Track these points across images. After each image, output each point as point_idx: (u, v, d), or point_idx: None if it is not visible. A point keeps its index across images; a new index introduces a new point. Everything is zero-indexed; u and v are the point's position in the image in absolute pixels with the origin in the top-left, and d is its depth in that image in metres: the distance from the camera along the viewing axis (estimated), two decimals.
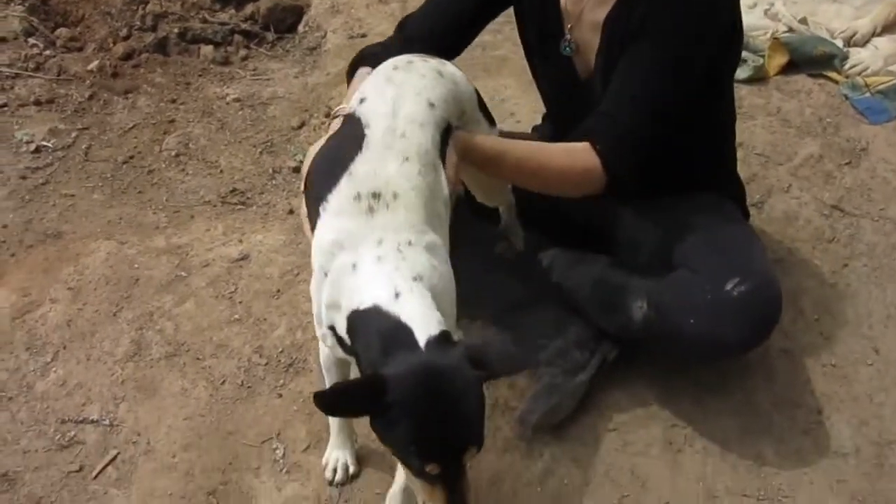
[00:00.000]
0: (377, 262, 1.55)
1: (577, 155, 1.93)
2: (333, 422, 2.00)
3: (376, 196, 1.60)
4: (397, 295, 1.50)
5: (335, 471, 2.02)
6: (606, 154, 1.91)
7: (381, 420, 1.41)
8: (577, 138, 1.95)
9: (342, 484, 2.00)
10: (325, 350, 1.82)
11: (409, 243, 1.58)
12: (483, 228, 2.33)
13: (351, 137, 1.70)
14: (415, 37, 2.15)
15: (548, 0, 2.15)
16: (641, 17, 1.92)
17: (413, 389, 1.39)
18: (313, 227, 1.67)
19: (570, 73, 2.19)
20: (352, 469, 2.02)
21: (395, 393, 1.38)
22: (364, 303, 1.51)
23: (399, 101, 1.74)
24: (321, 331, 1.68)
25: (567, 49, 2.14)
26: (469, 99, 1.95)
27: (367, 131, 1.69)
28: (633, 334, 2.12)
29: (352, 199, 1.60)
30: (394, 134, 1.69)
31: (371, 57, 2.07)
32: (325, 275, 1.60)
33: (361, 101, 1.77)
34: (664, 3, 1.91)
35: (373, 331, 1.49)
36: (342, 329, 1.56)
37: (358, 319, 1.52)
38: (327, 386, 1.86)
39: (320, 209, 1.64)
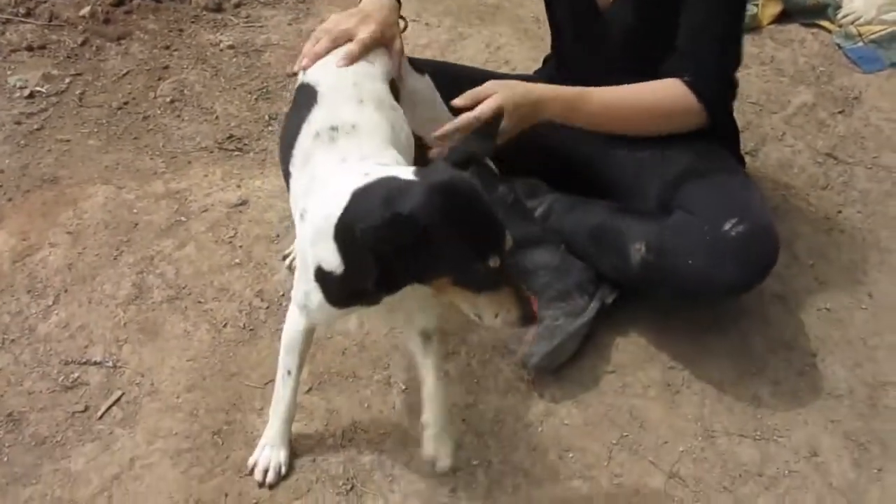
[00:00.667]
0: (342, 173, 1.59)
1: (671, 93, 2.08)
2: (275, 415, 1.94)
3: (334, 128, 1.70)
4: (367, 174, 1.53)
5: (266, 472, 1.93)
6: (702, 89, 2.07)
7: (425, 254, 1.43)
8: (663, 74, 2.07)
9: (272, 486, 1.93)
10: (296, 325, 1.82)
11: (361, 154, 1.66)
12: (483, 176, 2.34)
13: (304, 100, 1.80)
14: None
15: None
16: None
17: (442, 204, 1.42)
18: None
19: (586, 3, 2.22)
20: (283, 470, 1.94)
21: (427, 218, 1.40)
22: (342, 203, 1.50)
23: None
24: (307, 287, 1.66)
25: None
26: None
27: (318, 88, 1.80)
28: (632, 277, 2.14)
29: (312, 139, 1.70)
30: (345, 84, 1.80)
31: None
32: (301, 217, 1.64)
33: (305, 71, 1.90)
34: None
35: (362, 208, 1.47)
36: (332, 253, 1.54)
37: (342, 224, 1.50)
38: (281, 372, 1.88)
39: (290, 168, 1.73)
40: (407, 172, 1.51)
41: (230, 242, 2.43)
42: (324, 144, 1.69)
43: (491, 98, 1.94)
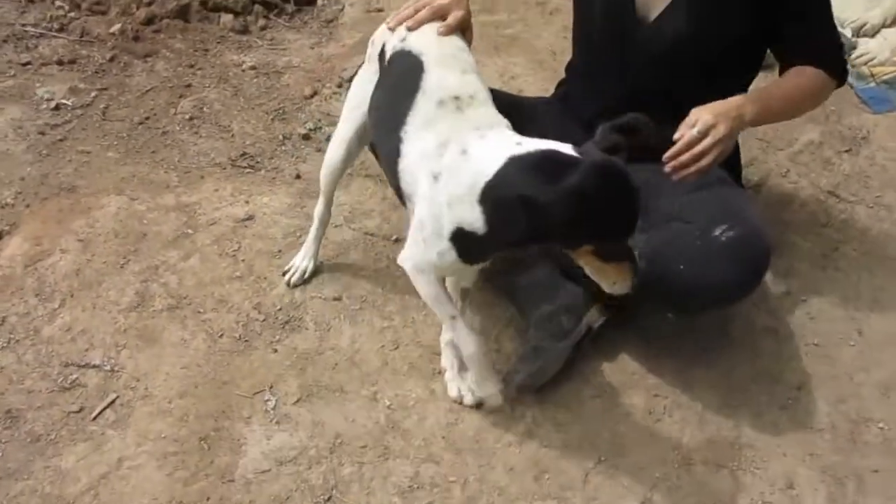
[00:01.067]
0: (482, 139, 1.80)
1: (817, 79, 2.22)
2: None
3: (457, 98, 1.87)
4: (519, 143, 1.76)
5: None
6: (835, 68, 2.24)
7: (580, 225, 1.65)
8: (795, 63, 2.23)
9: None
10: (429, 283, 1.96)
11: (496, 125, 1.87)
12: None
13: (408, 67, 1.95)
14: None
15: None
16: None
17: (605, 184, 1.64)
18: (389, 161, 1.94)
19: (629, 11, 2.24)
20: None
21: (593, 193, 1.62)
22: (494, 167, 1.72)
23: (439, 38, 2.02)
24: (440, 247, 1.83)
25: None
26: None
27: (423, 57, 1.95)
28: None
29: (437, 107, 1.86)
30: (448, 55, 1.97)
31: None
32: (435, 179, 1.81)
33: (403, 39, 2.02)
34: None
35: (521, 176, 1.69)
36: (475, 215, 1.74)
37: (495, 185, 1.71)
38: (448, 322, 2.03)
39: (401, 134, 1.88)
40: (567, 148, 1.72)
41: (233, 256, 2.51)
42: (451, 113, 1.86)
43: (707, 122, 2.00)
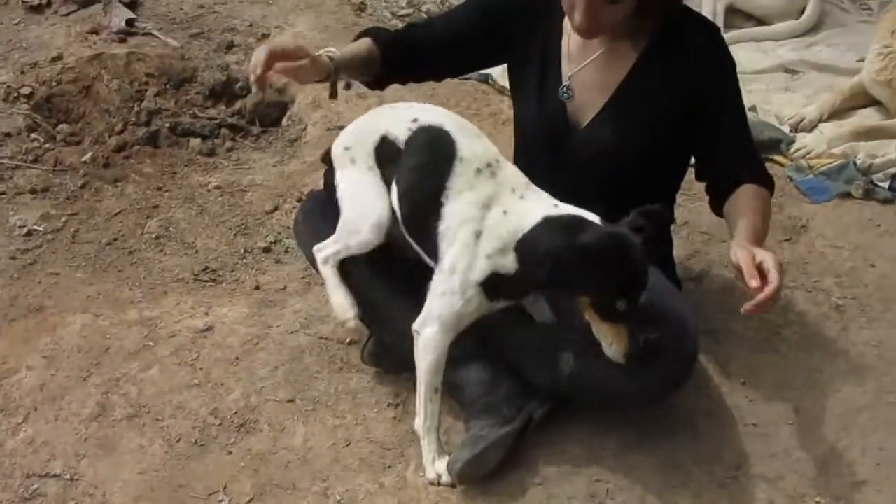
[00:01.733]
0: (521, 199, 2.15)
1: (763, 194, 2.39)
2: (430, 433, 2.28)
3: (489, 165, 2.17)
4: (556, 206, 2.14)
5: (441, 477, 2.28)
6: (766, 180, 2.40)
7: (582, 276, 2.03)
8: (728, 187, 2.38)
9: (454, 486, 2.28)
10: (439, 346, 2.22)
11: (528, 184, 2.20)
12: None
13: (435, 140, 2.21)
14: (417, 45, 2.51)
15: (549, 44, 2.42)
16: (695, 94, 2.31)
17: (608, 248, 2.02)
18: (423, 225, 2.21)
19: (561, 118, 2.41)
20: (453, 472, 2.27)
21: (596, 253, 2.01)
22: (531, 223, 2.10)
23: (444, 110, 2.34)
24: (469, 293, 2.15)
25: (565, 95, 2.39)
26: None
27: (446, 128, 2.22)
28: (564, 387, 2.28)
29: (475, 174, 2.16)
30: (461, 125, 2.26)
31: (374, 32, 2.52)
32: (477, 236, 2.12)
33: (414, 120, 2.26)
34: (715, 79, 2.34)
35: (551, 233, 2.07)
36: (510, 262, 2.11)
37: (530, 237, 2.09)
38: (428, 393, 2.25)
39: (441, 199, 2.16)
40: (592, 216, 2.09)
41: (192, 365, 2.60)
42: (488, 179, 2.16)
43: (776, 264, 2.07)
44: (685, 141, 2.42)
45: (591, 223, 2.07)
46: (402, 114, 2.30)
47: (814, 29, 4.43)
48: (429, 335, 2.20)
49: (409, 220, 2.26)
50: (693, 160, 2.53)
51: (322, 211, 2.46)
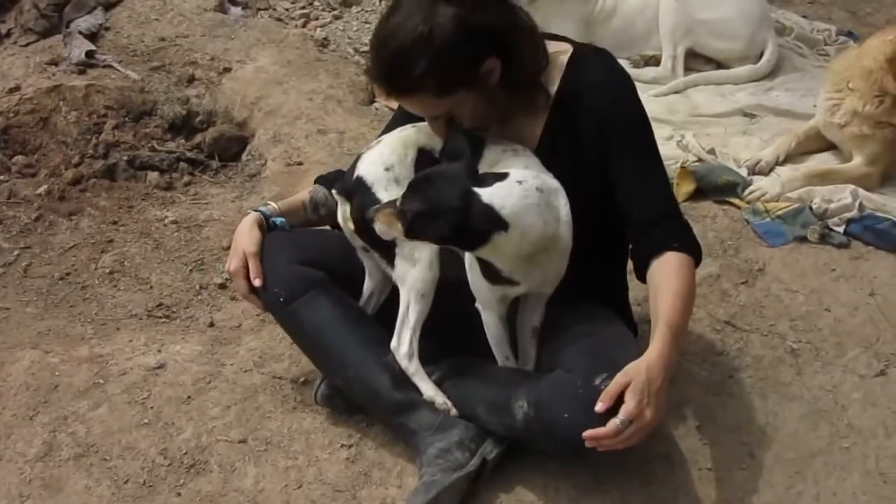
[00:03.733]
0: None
1: (684, 267, 2.26)
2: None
3: (514, 149, 2.31)
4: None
5: None
6: (689, 248, 2.29)
7: None
8: (649, 253, 2.29)
9: None
10: (495, 325, 2.36)
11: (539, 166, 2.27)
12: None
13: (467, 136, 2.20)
14: None
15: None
16: (601, 137, 2.27)
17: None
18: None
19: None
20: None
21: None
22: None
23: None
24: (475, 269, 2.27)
25: None
26: None
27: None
28: (518, 434, 2.26)
29: (500, 153, 2.27)
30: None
31: (323, 180, 2.57)
32: None
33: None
34: (616, 119, 2.28)
35: None
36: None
37: None
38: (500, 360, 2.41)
39: None
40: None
41: (143, 403, 2.56)
42: (511, 157, 2.28)
43: (631, 412, 2.04)
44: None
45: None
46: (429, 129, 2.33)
47: (772, 73, 4.49)
48: (483, 316, 2.34)
49: None
50: None
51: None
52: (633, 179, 2.30)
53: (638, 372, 2.07)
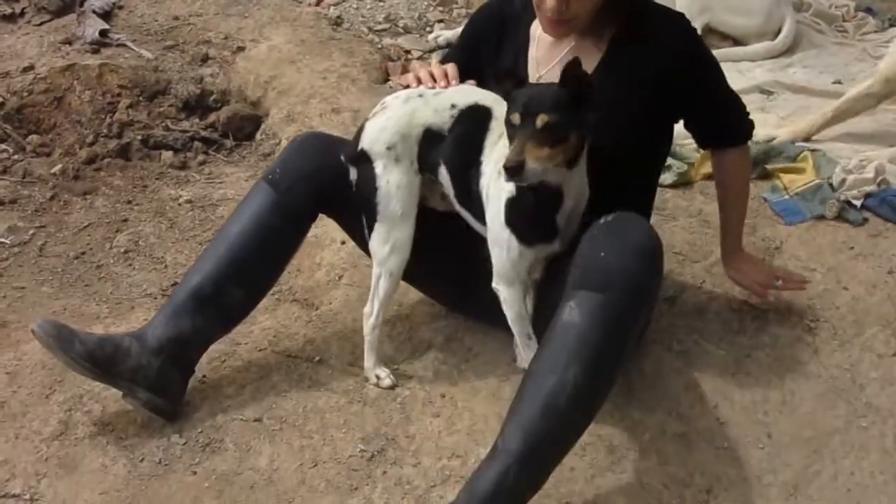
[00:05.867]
0: None
1: (742, 163, 2.70)
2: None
3: None
4: None
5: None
6: (746, 138, 2.66)
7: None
8: (719, 147, 2.65)
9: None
10: (515, 298, 2.35)
11: None
12: None
13: (475, 113, 2.33)
14: None
15: (519, 54, 2.48)
16: (667, 79, 2.37)
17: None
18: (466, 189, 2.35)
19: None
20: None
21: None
22: None
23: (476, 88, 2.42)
24: (504, 237, 2.27)
25: None
26: None
27: (482, 102, 2.34)
28: None
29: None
30: (496, 97, 2.32)
31: None
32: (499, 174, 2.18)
33: (453, 106, 2.34)
34: (687, 60, 2.41)
35: None
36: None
37: None
38: (523, 340, 2.39)
39: (481, 158, 2.31)
40: None
41: None
42: None
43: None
44: (661, 130, 2.51)
45: None
46: (437, 103, 2.35)
47: (789, 50, 4.46)
48: (500, 292, 2.34)
49: (459, 192, 2.38)
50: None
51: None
52: (709, 102, 2.52)
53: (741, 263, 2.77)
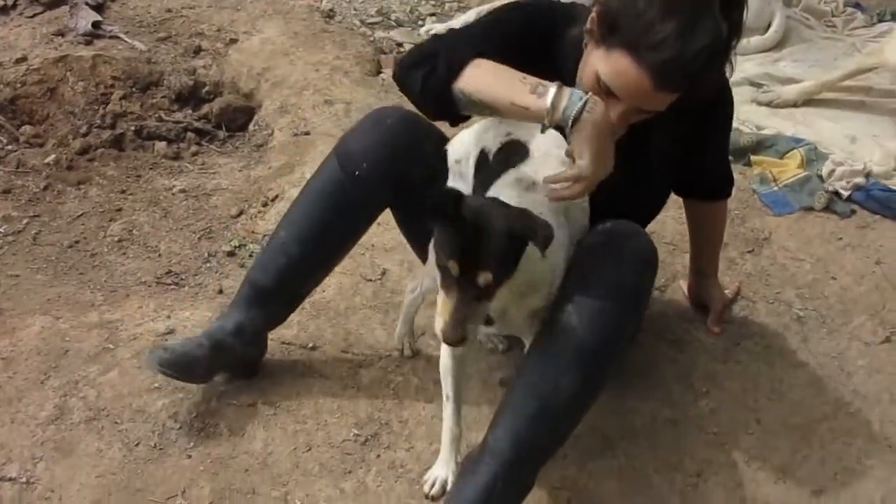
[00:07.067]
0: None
1: (721, 212, 2.75)
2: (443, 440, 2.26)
3: (533, 183, 2.02)
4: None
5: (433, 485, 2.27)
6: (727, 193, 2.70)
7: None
8: (709, 195, 2.69)
9: (435, 499, 2.25)
10: (443, 354, 2.22)
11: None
12: None
13: (514, 146, 2.12)
14: None
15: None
16: (698, 129, 2.38)
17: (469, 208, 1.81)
18: None
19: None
20: (449, 486, 2.23)
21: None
22: None
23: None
24: None
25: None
26: None
27: (529, 146, 2.11)
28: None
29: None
30: (548, 139, 2.05)
31: None
32: None
33: (508, 134, 2.14)
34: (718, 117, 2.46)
35: None
36: None
37: None
38: (443, 399, 2.25)
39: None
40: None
41: None
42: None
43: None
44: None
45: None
46: (499, 129, 2.17)
47: (779, 45, 4.49)
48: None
49: None
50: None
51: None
52: (717, 147, 2.57)
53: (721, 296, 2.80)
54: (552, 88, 1.92)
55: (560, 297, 2.08)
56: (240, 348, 2.44)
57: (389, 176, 2.30)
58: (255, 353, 2.52)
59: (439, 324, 1.82)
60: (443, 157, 2.30)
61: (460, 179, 2.25)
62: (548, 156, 2.06)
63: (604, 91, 1.99)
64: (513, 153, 2.10)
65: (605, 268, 2.07)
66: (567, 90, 1.93)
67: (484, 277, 1.78)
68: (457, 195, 1.85)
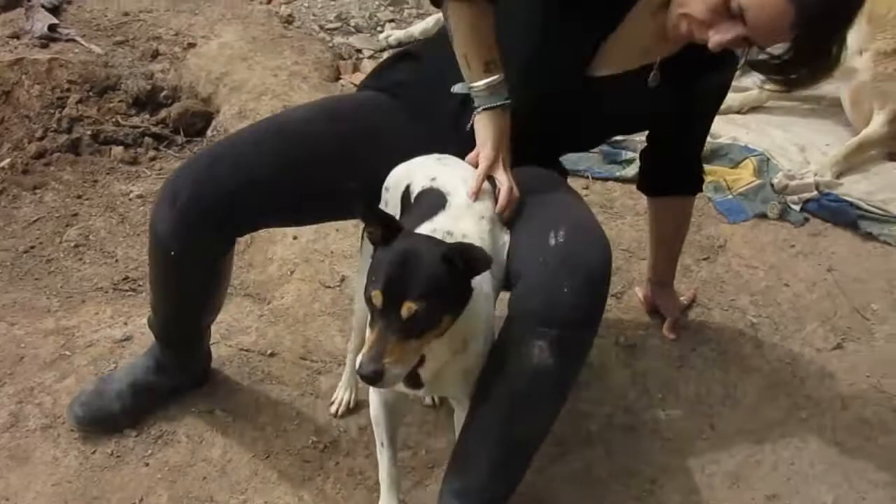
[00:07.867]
0: None
1: (687, 207, 2.81)
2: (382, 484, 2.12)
3: (449, 233, 1.84)
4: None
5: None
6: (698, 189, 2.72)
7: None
8: (678, 189, 2.70)
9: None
10: (373, 401, 2.08)
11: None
12: None
13: (434, 195, 1.96)
14: None
15: None
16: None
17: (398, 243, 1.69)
18: None
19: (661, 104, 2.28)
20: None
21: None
22: None
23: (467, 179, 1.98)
24: None
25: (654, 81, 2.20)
26: None
27: (448, 198, 1.94)
28: None
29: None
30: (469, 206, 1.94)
31: None
32: None
33: (433, 179, 1.98)
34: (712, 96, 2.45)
35: None
36: None
37: None
38: (377, 445, 2.11)
39: None
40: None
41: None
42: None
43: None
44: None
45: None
46: (428, 170, 2.03)
47: None
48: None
49: None
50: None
51: None
52: (699, 127, 2.54)
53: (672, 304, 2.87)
54: (498, 76, 2.00)
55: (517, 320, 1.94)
56: (168, 381, 2.45)
57: (200, 251, 2.19)
58: (192, 374, 2.52)
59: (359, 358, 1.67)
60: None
61: (387, 207, 2.11)
62: (468, 208, 1.94)
63: (726, 12, 1.94)
64: (433, 201, 1.96)
65: (568, 294, 1.87)
66: (504, 86, 2.01)
67: (407, 308, 1.62)
68: (396, 226, 1.75)
